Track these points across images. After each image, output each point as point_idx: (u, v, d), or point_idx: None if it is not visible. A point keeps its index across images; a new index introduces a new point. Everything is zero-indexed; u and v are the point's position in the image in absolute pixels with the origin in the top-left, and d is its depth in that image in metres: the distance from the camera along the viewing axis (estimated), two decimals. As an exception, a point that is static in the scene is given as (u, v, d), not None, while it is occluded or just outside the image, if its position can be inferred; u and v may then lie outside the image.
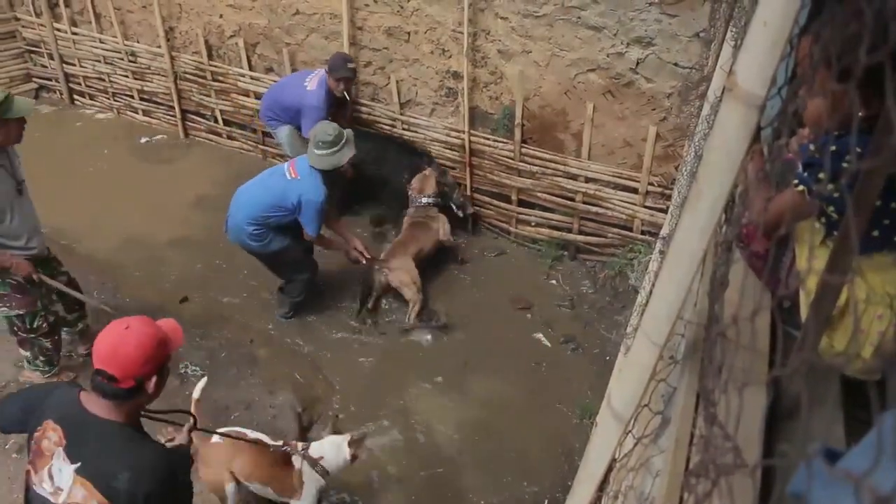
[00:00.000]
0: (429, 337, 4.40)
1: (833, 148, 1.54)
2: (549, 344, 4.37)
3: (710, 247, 1.04)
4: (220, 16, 5.78)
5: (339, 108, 5.08)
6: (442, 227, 4.89)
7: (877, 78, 0.57)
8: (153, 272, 4.80)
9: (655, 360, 1.18)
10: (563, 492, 3.34)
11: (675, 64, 4.12)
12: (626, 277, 4.64)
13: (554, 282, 4.92)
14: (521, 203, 5.15)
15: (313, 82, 4.84)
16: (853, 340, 1.66)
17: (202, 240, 5.12)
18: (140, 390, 1.91)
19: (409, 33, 4.96)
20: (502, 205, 5.23)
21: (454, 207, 5.10)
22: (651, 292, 1.18)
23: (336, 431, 3.13)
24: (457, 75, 4.91)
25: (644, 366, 1.19)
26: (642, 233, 4.68)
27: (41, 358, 3.72)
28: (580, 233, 5.00)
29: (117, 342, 1.88)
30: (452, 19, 4.72)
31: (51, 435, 1.90)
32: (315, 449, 2.98)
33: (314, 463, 2.94)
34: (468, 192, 5.26)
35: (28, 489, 1.97)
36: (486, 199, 5.29)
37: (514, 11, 4.47)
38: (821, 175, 1.61)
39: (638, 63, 4.23)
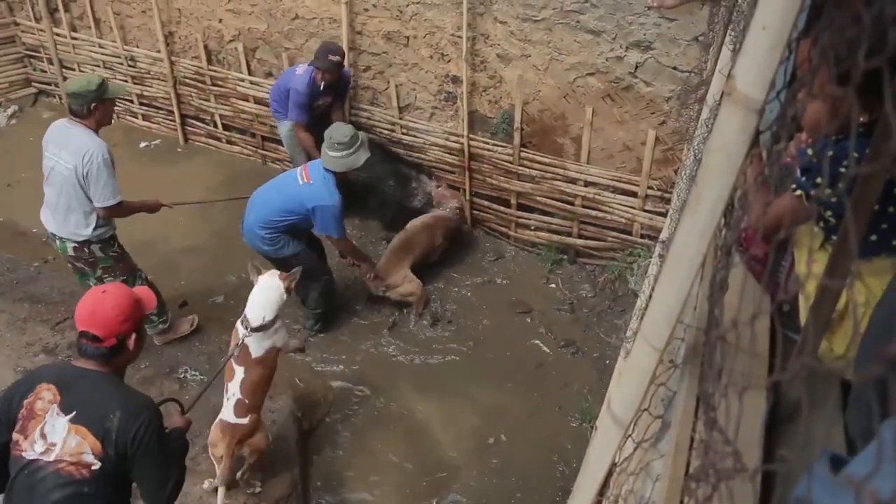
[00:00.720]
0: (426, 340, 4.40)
1: (831, 153, 1.54)
2: (548, 349, 4.36)
3: (709, 250, 1.04)
4: (220, 20, 5.79)
5: (333, 103, 5.01)
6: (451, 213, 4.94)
7: (875, 82, 0.57)
8: (154, 276, 4.78)
9: (655, 364, 1.18)
10: (562, 496, 3.33)
11: (674, 68, 4.12)
12: (625, 281, 4.64)
13: (553, 285, 4.91)
14: (520, 207, 5.15)
15: (302, 68, 4.84)
16: (853, 344, 1.66)
17: (202, 244, 5.12)
18: (122, 347, 2.07)
19: (408, 38, 4.97)
20: (501, 209, 5.23)
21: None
22: (651, 296, 1.17)
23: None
24: (456, 79, 4.92)
25: (644, 370, 1.19)
26: (642, 236, 4.68)
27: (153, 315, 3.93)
28: (580, 236, 5.00)
29: (96, 304, 2.04)
30: (451, 24, 4.73)
31: (44, 395, 1.99)
32: (255, 318, 3.05)
33: (274, 325, 3.09)
34: (467, 196, 5.27)
35: (14, 467, 1.97)
36: (486, 203, 5.29)
37: (512, 16, 4.48)
38: (819, 180, 1.62)
39: (637, 67, 4.24)
